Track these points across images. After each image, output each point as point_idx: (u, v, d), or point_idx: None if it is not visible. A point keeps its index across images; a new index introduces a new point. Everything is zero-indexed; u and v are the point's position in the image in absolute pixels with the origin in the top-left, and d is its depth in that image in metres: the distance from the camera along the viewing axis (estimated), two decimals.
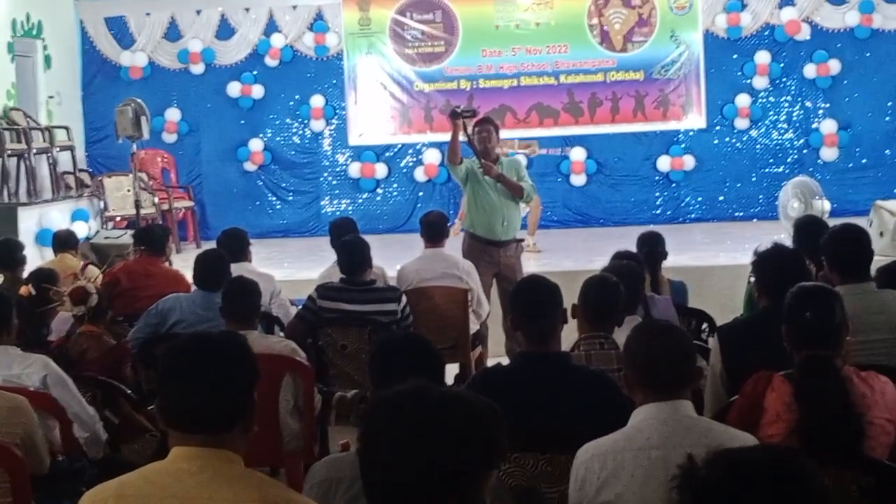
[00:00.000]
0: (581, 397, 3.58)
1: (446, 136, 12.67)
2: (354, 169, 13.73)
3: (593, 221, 13.37)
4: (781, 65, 13.32)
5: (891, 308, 4.30)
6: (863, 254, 4.57)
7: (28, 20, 12.84)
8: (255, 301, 5.15)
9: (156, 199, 12.36)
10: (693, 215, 13.38)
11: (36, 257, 9.51)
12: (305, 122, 13.85)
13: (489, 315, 7.43)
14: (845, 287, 4.16)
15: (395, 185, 13.79)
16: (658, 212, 13.38)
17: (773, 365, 3.44)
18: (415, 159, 13.70)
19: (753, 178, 13.32)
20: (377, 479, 1.88)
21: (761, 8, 13.31)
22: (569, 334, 4.03)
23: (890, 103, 13.23)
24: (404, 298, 6.22)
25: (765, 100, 13.36)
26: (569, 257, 10.60)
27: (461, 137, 7.67)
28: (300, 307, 6.37)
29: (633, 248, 6.20)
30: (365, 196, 13.78)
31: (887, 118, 13.24)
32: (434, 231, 7.23)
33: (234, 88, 13.80)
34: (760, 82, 13.31)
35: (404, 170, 13.76)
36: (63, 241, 8.08)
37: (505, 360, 5.65)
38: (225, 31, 13.91)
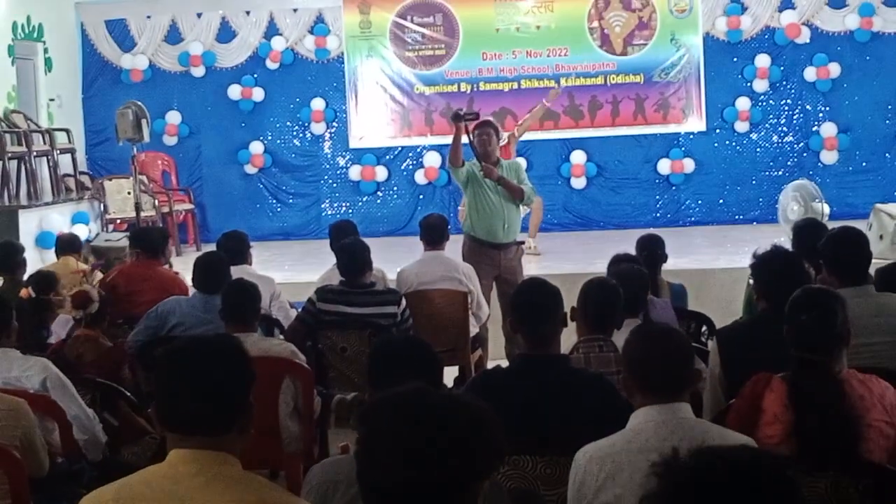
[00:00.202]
0: (580, 400, 3.58)
1: (447, 139, 12.73)
2: (355, 172, 13.73)
3: (593, 224, 13.37)
4: (781, 68, 13.32)
5: (890, 311, 4.31)
6: (861, 256, 4.58)
7: (29, 23, 12.85)
8: (254, 304, 5.15)
9: (156, 202, 12.37)
10: (693, 218, 13.38)
11: (36, 260, 9.53)
12: (306, 124, 13.85)
13: (489, 318, 7.43)
14: (844, 290, 4.16)
15: (396, 188, 13.79)
16: (658, 215, 13.38)
17: (772, 368, 3.44)
18: (415, 162, 13.71)
19: (753, 182, 13.32)
20: (373, 482, 1.88)
21: (761, 11, 13.31)
22: (568, 337, 4.04)
23: (890, 106, 13.23)
24: (404, 301, 6.22)
25: (765, 103, 13.36)
26: (569, 260, 10.60)
27: (463, 140, 7.69)
28: (300, 310, 6.38)
29: (633, 251, 6.22)
30: (365, 199, 13.78)
31: (887, 121, 13.24)
32: (434, 234, 7.24)
33: (234, 91, 13.81)
34: (760, 85, 13.31)
35: (404, 173, 13.76)
36: (66, 245, 8.09)
37: (505, 363, 5.65)
38: (225, 33, 13.92)
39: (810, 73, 13.24)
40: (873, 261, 4.68)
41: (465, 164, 7.74)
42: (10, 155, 11.78)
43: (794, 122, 13.37)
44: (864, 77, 13.23)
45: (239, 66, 13.85)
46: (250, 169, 13.86)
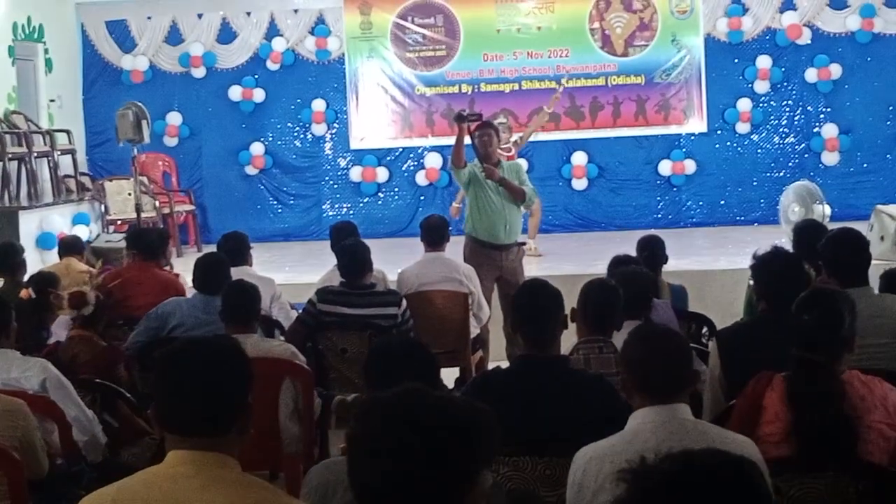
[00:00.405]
0: (579, 401, 3.58)
1: (447, 140, 12.80)
2: (355, 173, 13.74)
3: (594, 225, 13.37)
4: (782, 69, 13.32)
5: (890, 312, 4.30)
6: (860, 258, 4.57)
7: (29, 24, 12.85)
8: (254, 304, 5.14)
9: (157, 203, 12.37)
10: (694, 219, 13.39)
11: (37, 261, 9.53)
12: (307, 125, 13.86)
13: (490, 319, 7.43)
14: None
15: (397, 189, 13.79)
16: (659, 216, 13.38)
17: (772, 368, 3.44)
18: (416, 163, 13.71)
19: (754, 183, 13.32)
20: (363, 481, 1.88)
21: (762, 12, 13.31)
22: (568, 338, 4.04)
23: (891, 107, 13.24)
24: (404, 302, 6.22)
25: (766, 104, 13.36)
26: (569, 261, 10.60)
27: (466, 141, 7.70)
28: (300, 311, 6.37)
29: (634, 252, 6.21)
30: (366, 200, 13.78)
31: (888, 122, 13.25)
32: (435, 235, 7.23)
33: (235, 92, 13.81)
34: (761, 86, 13.31)
35: (405, 174, 13.76)
36: (69, 246, 8.10)
37: (505, 364, 5.64)
38: (226, 34, 13.92)
39: (811, 75, 13.25)
40: (875, 262, 4.68)
41: (467, 165, 7.74)
42: (10, 156, 11.79)
43: (796, 123, 13.37)
44: (866, 78, 13.24)
45: (239, 66, 13.86)
46: (251, 170, 13.86)
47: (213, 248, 7.46)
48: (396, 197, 13.78)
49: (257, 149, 13.81)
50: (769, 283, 4.20)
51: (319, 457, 5.19)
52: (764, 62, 13.27)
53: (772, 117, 13.38)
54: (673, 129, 13.44)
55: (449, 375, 6.48)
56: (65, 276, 6.95)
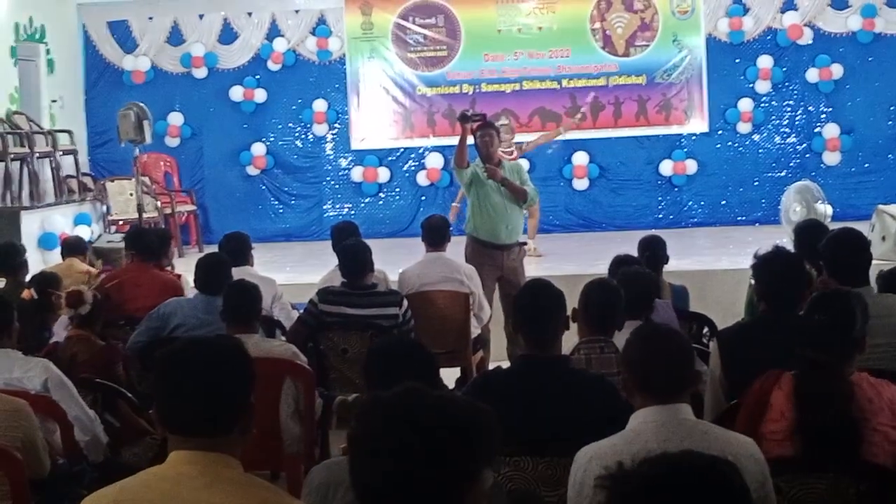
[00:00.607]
0: (581, 401, 3.58)
1: (448, 141, 12.83)
2: (357, 173, 13.74)
3: (595, 226, 13.37)
4: (784, 69, 13.32)
5: (891, 312, 4.30)
6: (861, 258, 4.57)
7: (31, 24, 12.86)
8: (255, 304, 5.15)
9: (158, 203, 12.38)
10: (695, 219, 13.39)
11: (38, 261, 9.54)
12: (308, 126, 13.86)
13: (491, 319, 7.43)
14: None
15: (398, 190, 13.80)
16: (660, 216, 13.38)
17: (773, 368, 3.44)
18: (417, 163, 13.71)
19: (756, 183, 13.32)
20: (364, 481, 1.89)
21: (763, 12, 13.31)
22: (569, 338, 4.04)
23: (892, 107, 13.23)
24: (406, 302, 6.22)
25: (767, 104, 13.36)
26: (570, 261, 10.60)
27: (469, 141, 7.71)
28: (302, 311, 6.38)
29: (635, 253, 6.22)
30: (367, 200, 13.78)
31: (889, 122, 13.24)
32: (436, 235, 7.23)
33: (236, 92, 13.82)
34: (763, 87, 13.31)
35: (406, 174, 13.77)
36: (72, 247, 8.11)
37: (506, 364, 5.64)
38: (227, 35, 13.93)
39: (812, 75, 13.24)
40: (876, 262, 4.68)
41: (470, 165, 7.75)
42: (12, 156, 11.80)
43: (797, 123, 13.37)
44: (867, 78, 13.23)
45: (241, 67, 13.87)
46: (252, 170, 13.87)
47: (214, 249, 7.47)
48: (397, 197, 13.79)
49: (258, 149, 13.82)
50: (770, 283, 4.20)
51: (320, 457, 5.19)
52: (765, 62, 13.27)
53: (773, 117, 13.38)
54: (674, 129, 13.44)
55: (450, 375, 6.49)
56: (67, 277, 6.96)
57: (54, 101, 13.32)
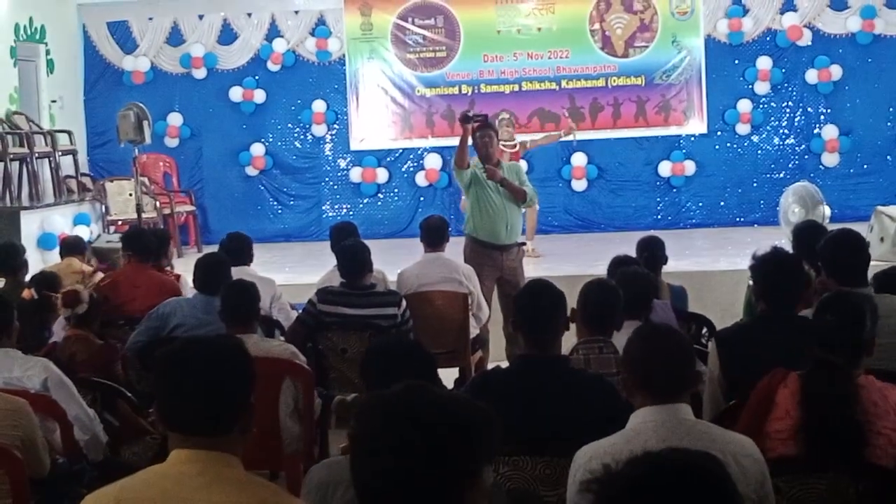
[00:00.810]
0: (580, 401, 3.59)
1: (447, 141, 12.85)
2: (356, 174, 13.75)
3: (594, 226, 13.38)
4: (783, 70, 13.33)
5: (890, 312, 4.30)
6: (859, 259, 4.58)
7: (31, 24, 12.86)
8: (254, 303, 5.15)
9: (157, 204, 12.39)
10: (694, 220, 13.39)
11: (38, 261, 9.54)
12: (307, 126, 13.86)
13: (490, 319, 7.44)
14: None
15: (396, 190, 13.80)
16: (659, 217, 13.38)
17: (772, 369, 3.44)
18: (416, 164, 13.72)
19: (754, 184, 13.32)
20: (364, 480, 1.89)
21: (763, 13, 13.32)
22: (568, 338, 4.04)
23: (891, 109, 13.23)
24: (404, 303, 6.23)
25: (766, 105, 13.37)
26: (569, 262, 10.60)
27: (470, 142, 7.72)
28: (300, 311, 6.38)
29: (634, 253, 6.22)
30: (366, 201, 13.79)
31: (888, 124, 13.25)
32: (434, 235, 7.24)
33: (235, 93, 13.82)
34: (762, 88, 13.32)
35: (405, 174, 13.77)
36: (71, 246, 8.12)
37: (505, 364, 5.65)
38: (227, 35, 13.93)
39: (812, 76, 13.25)
40: (875, 263, 4.69)
41: (470, 165, 7.77)
42: (11, 156, 11.80)
43: (796, 124, 13.38)
44: (866, 79, 13.24)
45: (240, 67, 13.87)
46: (251, 171, 13.87)
47: (213, 249, 7.48)
48: (396, 198, 13.79)
49: (258, 149, 13.82)
50: (768, 284, 4.21)
51: (320, 456, 5.20)
52: (764, 63, 13.28)
53: (772, 118, 13.38)
54: (673, 130, 13.44)
55: (448, 376, 6.49)
56: (66, 277, 6.97)
57: (54, 101, 13.32)
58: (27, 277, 6.87)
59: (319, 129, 13.81)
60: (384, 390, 1.94)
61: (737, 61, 13.40)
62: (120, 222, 12.21)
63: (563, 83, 13.39)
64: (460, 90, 13.53)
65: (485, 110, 11.41)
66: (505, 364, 5.98)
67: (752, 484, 2.85)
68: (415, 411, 1.87)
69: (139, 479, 2.40)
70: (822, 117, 13.31)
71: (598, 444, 3.00)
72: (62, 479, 4.26)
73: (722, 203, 13.41)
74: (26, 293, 6.06)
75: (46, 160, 12.55)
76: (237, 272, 6.17)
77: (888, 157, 13.25)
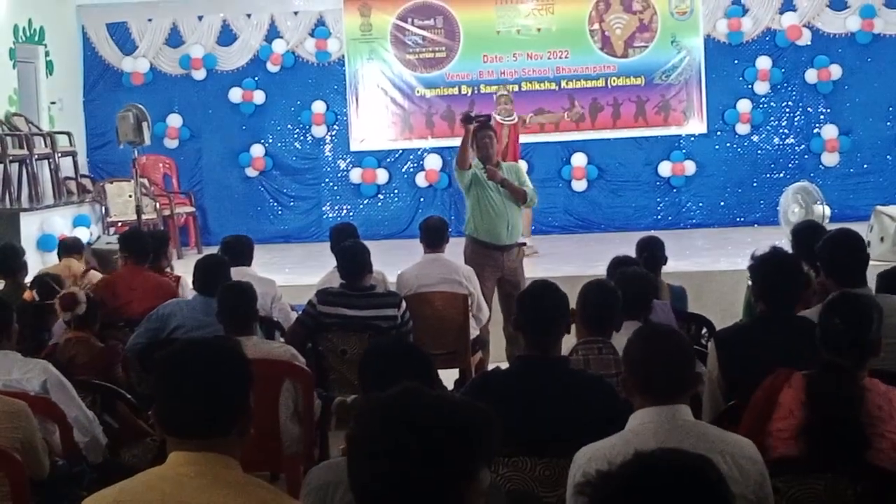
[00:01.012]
0: (579, 402, 3.59)
1: (447, 142, 12.86)
2: (355, 174, 13.74)
3: (594, 227, 13.37)
4: (782, 70, 13.32)
5: (890, 312, 4.30)
6: (858, 259, 4.57)
7: (30, 26, 12.86)
8: (252, 304, 5.14)
9: (157, 205, 12.39)
10: (694, 220, 13.39)
11: (37, 263, 9.53)
12: (307, 127, 13.86)
13: (490, 320, 7.44)
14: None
15: (396, 191, 13.80)
16: (659, 217, 13.38)
17: (771, 369, 3.44)
18: (416, 165, 13.71)
19: (754, 184, 13.32)
20: (362, 482, 1.89)
21: (762, 13, 13.32)
22: (567, 339, 4.04)
23: (891, 108, 13.23)
24: (404, 304, 6.23)
25: (766, 105, 13.37)
26: (569, 262, 10.60)
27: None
28: (300, 312, 6.38)
29: (634, 254, 6.22)
30: (366, 202, 13.78)
31: (888, 123, 13.25)
32: (434, 236, 7.24)
33: (235, 94, 13.82)
34: (761, 87, 13.31)
35: (405, 175, 13.77)
36: (69, 247, 8.13)
37: (505, 365, 5.65)
38: (226, 36, 13.92)
39: (811, 76, 13.25)
40: (875, 263, 4.69)
41: (471, 166, 7.77)
42: (11, 158, 11.80)
43: (795, 124, 13.38)
44: (865, 79, 13.24)
45: (240, 68, 13.86)
46: (251, 172, 13.86)
47: (213, 251, 7.48)
48: (396, 198, 13.78)
49: (257, 151, 13.82)
50: (767, 284, 4.20)
51: (319, 458, 5.20)
52: (764, 63, 13.27)
53: (772, 118, 13.38)
54: (673, 131, 13.44)
55: (448, 377, 6.49)
56: (66, 278, 6.97)
57: (53, 102, 13.32)
58: (27, 279, 6.87)
59: (319, 130, 13.81)
60: (381, 393, 1.94)
61: (736, 61, 13.39)
62: (120, 224, 12.20)
63: (563, 83, 13.39)
64: (460, 91, 13.53)
65: (485, 111, 11.42)
66: (505, 365, 5.98)
67: (750, 485, 2.85)
68: (411, 415, 1.87)
69: (138, 481, 2.41)
70: (822, 117, 13.31)
71: (598, 445, 3.00)
72: (62, 480, 4.26)
73: (722, 203, 13.41)
74: (27, 295, 6.06)
75: (46, 162, 12.55)
76: (237, 273, 6.18)
77: (888, 157, 13.25)
